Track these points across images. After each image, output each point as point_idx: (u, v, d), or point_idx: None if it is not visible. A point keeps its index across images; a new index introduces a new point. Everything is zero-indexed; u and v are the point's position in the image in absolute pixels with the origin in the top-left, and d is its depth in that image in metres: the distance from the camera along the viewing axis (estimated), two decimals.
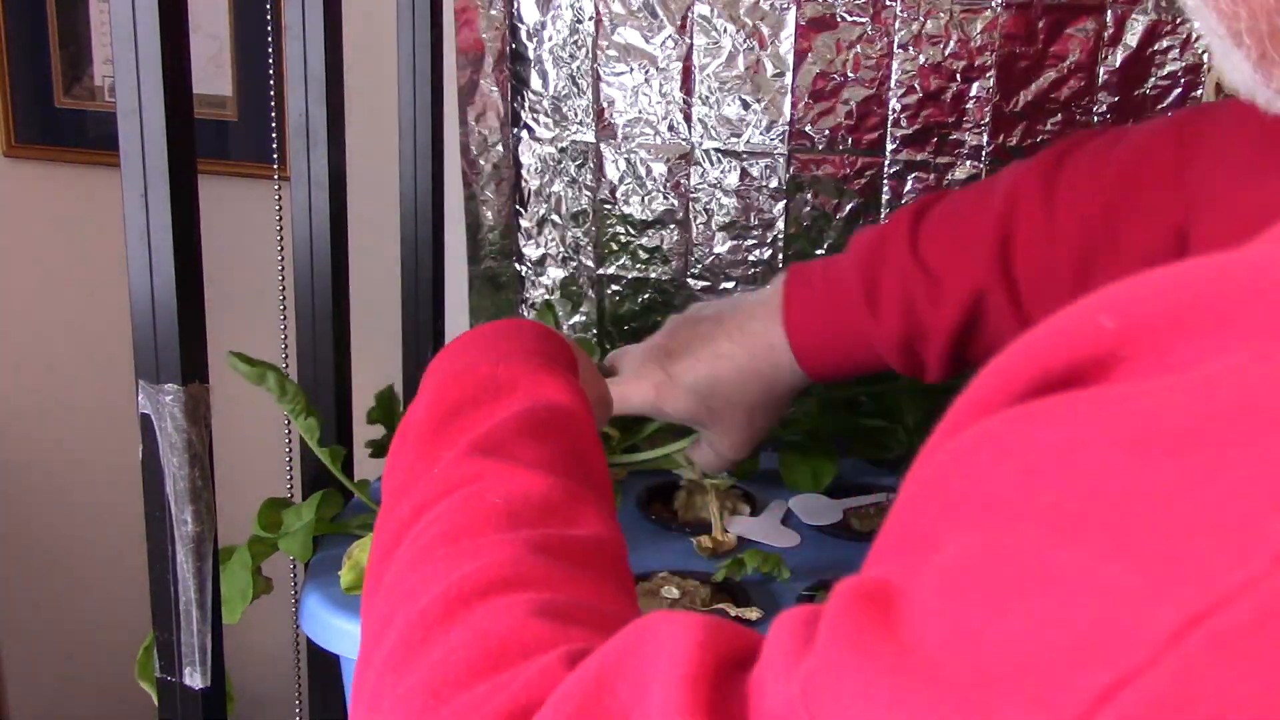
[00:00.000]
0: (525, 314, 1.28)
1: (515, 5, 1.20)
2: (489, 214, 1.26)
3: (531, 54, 1.21)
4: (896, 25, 1.12)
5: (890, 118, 1.15)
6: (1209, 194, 0.71)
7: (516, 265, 1.27)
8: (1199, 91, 1.09)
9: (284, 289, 1.00)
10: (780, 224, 1.19)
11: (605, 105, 1.20)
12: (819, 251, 1.20)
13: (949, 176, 1.15)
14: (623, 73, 1.19)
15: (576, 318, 1.26)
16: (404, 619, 0.49)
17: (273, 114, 1.04)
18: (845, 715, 0.30)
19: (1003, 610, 0.27)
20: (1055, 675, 0.26)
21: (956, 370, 0.86)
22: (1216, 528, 0.25)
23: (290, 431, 0.99)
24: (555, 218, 1.25)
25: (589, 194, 1.23)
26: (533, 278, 1.27)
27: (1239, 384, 0.26)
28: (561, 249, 1.25)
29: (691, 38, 1.17)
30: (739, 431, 0.92)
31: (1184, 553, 0.25)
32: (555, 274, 1.26)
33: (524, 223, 1.26)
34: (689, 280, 1.23)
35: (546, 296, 1.27)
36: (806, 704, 0.31)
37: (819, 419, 1.07)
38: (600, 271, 1.25)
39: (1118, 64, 1.09)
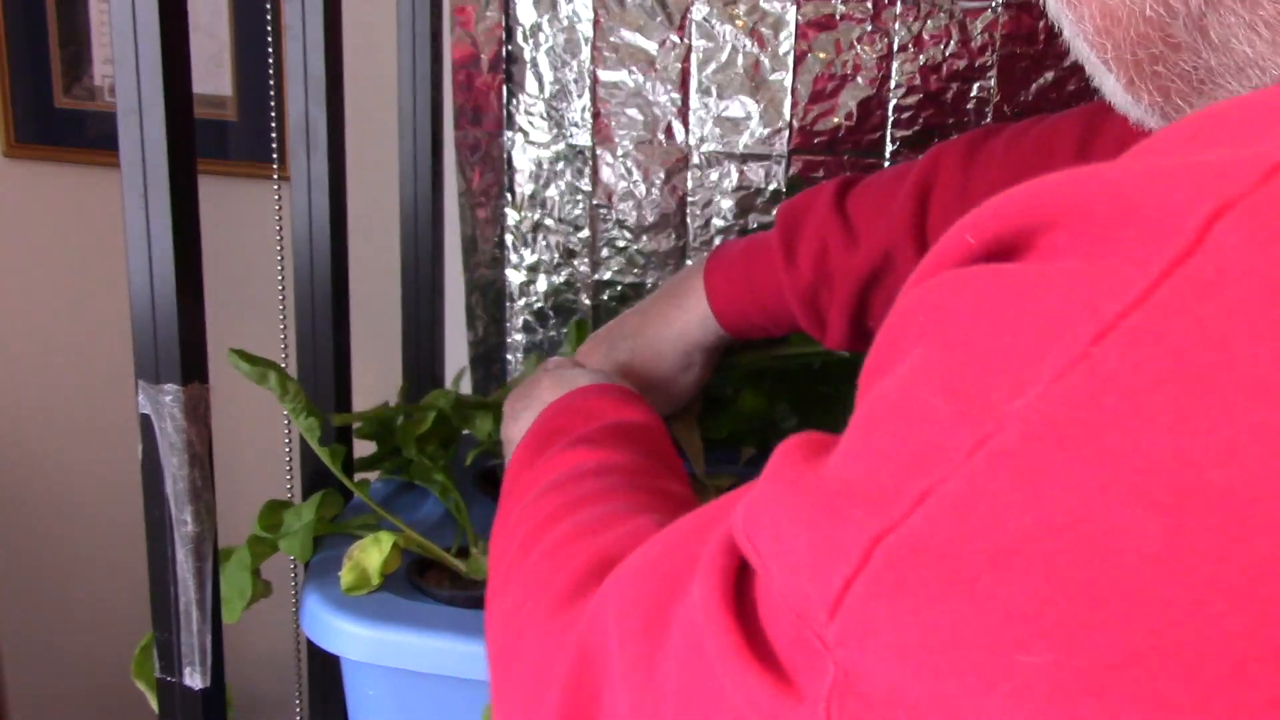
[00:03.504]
0: (518, 321, 1.28)
1: (511, 6, 1.19)
2: (483, 219, 1.26)
3: (527, 56, 1.20)
4: (896, 26, 1.12)
5: (890, 119, 1.15)
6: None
7: (510, 271, 1.26)
8: None
9: (284, 289, 1.00)
10: None
11: (602, 108, 1.20)
12: None
13: None
14: (620, 75, 1.19)
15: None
16: (520, 537, 0.59)
17: (273, 114, 1.04)
18: (762, 532, 0.36)
19: (870, 435, 0.33)
20: (890, 482, 0.31)
21: (853, 334, 0.90)
22: (1005, 365, 0.30)
23: (290, 431, 0.99)
24: (550, 222, 1.24)
25: (584, 198, 1.23)
26: (526, 283, 1.26)
27: (1051, 270, 0.31)
28: (556, 255, 1.25)
29: (690, 39, 1.17)
30: (658, 389, 0.97)
31: (981, 385, 0.30)
32: (550, 280, 1.26)
33: (518, 228, 1.25)
34: None
35: (540, 304, 1.26)
36: (745, 528, 0.38)
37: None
38: (596, 277, 1.24)
39: None
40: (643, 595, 0.43)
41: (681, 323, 0.95)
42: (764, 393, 1.11)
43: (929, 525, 0.30)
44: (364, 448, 1.03)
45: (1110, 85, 0.42)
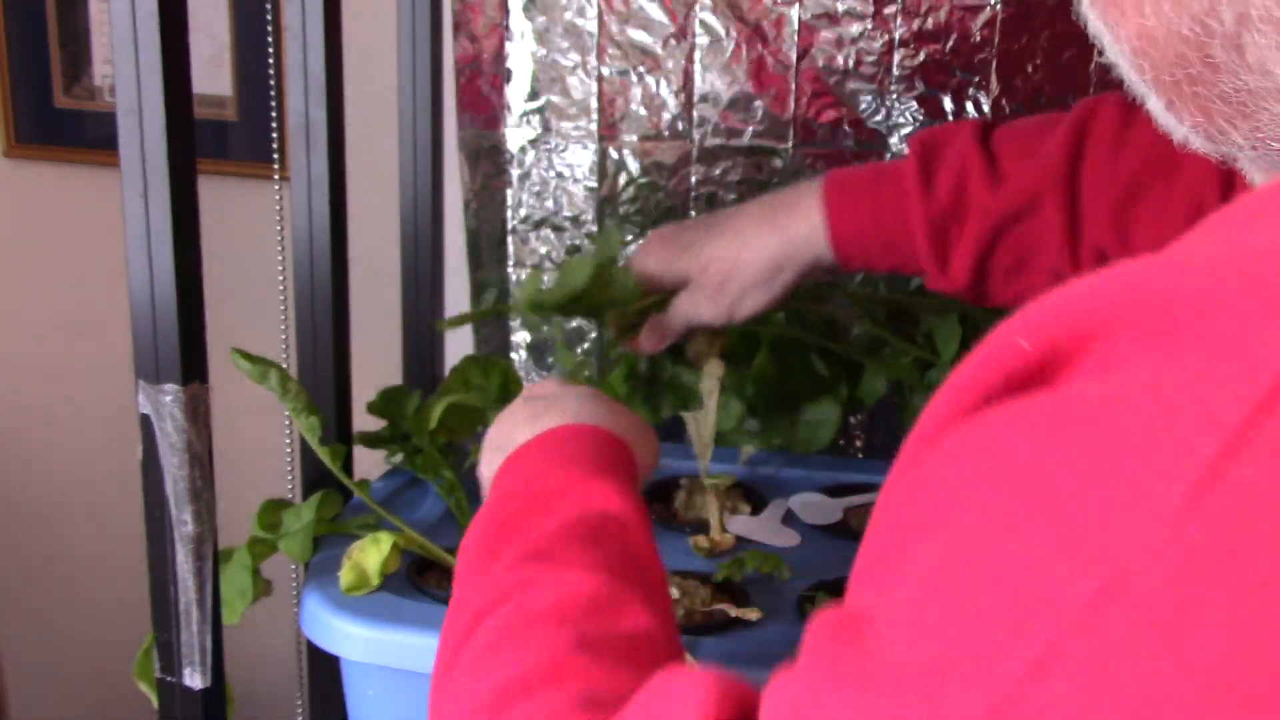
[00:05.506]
0: (516, 320, 1.28)
1: (513, 5, 1.19)
2: (487, 217, 1.26)
3: (529, 55, 1.20)
4: (898, 22, 1.13)
5: (892, 113, 1.15)
6: None
7: (514, 269, 1.27)
8: None
9: (284, 289, 1.00)
10: None
11: (607, 104, 1.20)
12: None
13: None
14: (625, 71, 1.19)
15: (575, 320, 1.26)
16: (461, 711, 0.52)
17: (273, 114, 1.04)
18: None
19: (954, 603, 0.29)
20: (993, 651, 0.28)
21: (973, 277, 0.85)
22: (1120, 504, 0.27)
23: (290, 431, 0.99)
24: (555, 219, 1.24)
25: (591, 194, 1.23)
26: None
27: (1132, 385, 0.28)
28: (561, 251, 1.25)
29: (694, 36, 1.17)
30: (726, 297, 0.90)
31: (1095, 529, 0.27)
32: (553, 278, 1.26)
33: (523, 226, 1.25)
34: None
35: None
36: None
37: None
38: None
39: None
40: None
41: (788, 231, 0.87)
42: (773, 362, 1.09)
43: (1051, 693, 0.26)
44: (368, 425, 1.03)
45: (1153, 105, 0.40)
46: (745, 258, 0.88)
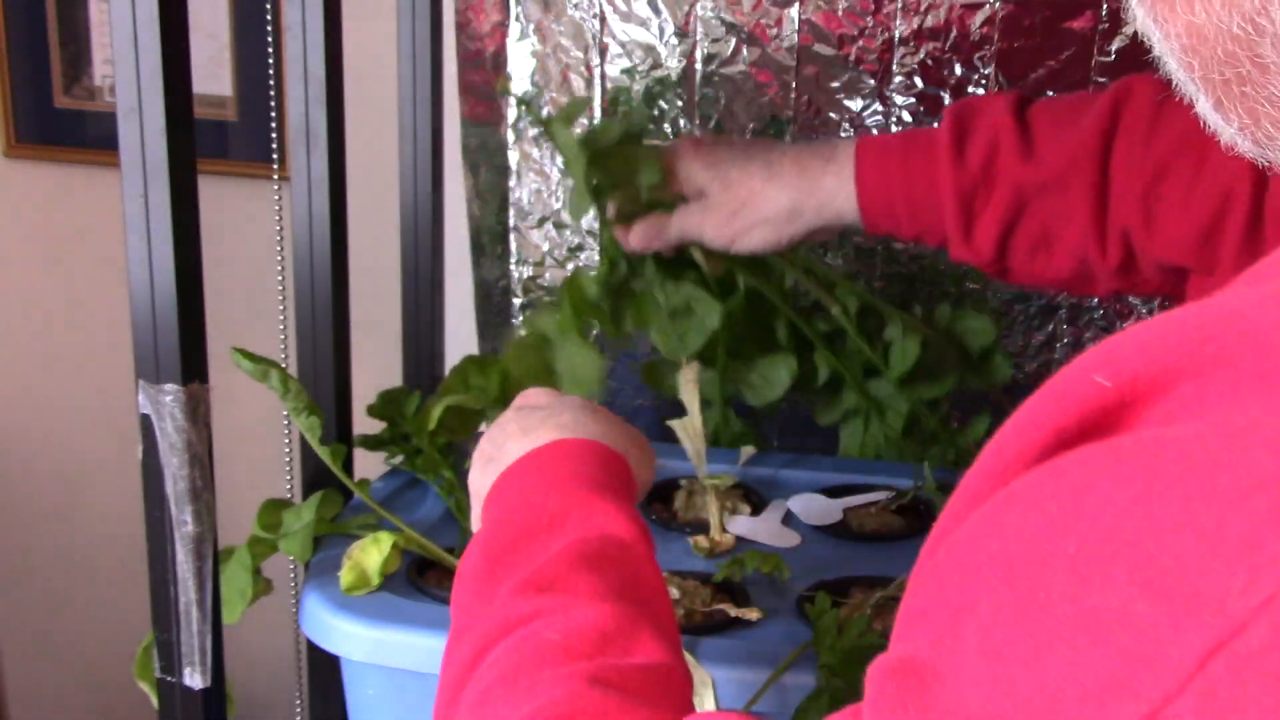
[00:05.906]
0: (520, 317, 1.28)
1: (517, 3, 1.19)
2: (489, 215, 1.26)
3: (532, 53, 1.20)
4: (898, 20, 1.13)
5: (892, 112, 1.15)
6: None
7: (516, 267, 1.27)
8: None
9: (284, 289, 1.00)
10: None
11: (608, 102, 1.20)
12: (820, 247, 1.20)
13: None
14: (625, 69, 1.19)
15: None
16: None
17: (273, 114, 1.03)
18: None
19: (1038, 659, 0.28)
20: (1093, 713, 0.26)
21: (996, 249, 0.85)
22: (1227, 555, 0.26)
23: (290, 431, 0.99)
24: (558, 216, 1.25)
25: None
26: (533, 278, 1.26)
27: (1230, 427, 0.27)
28: (562, 249, 1.25)
29: (695, 34, 1.17)
30: (736, 223, 0.90)
31: (1200, 582, 0.26)
32: (556, 274, 1.26)
33: (524, 223, 1.25)
34: None
35: (548, 299, 1.26)
36: None
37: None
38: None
39: (1113, 55, 1.10)
40: None
41: (817, 180, 0.88)
42: (744, 309, 1.05)
43: None
44: (368, 426, 1.03)
45: (1202, 106, 0.39)
46: (769, 191, 0.89)
